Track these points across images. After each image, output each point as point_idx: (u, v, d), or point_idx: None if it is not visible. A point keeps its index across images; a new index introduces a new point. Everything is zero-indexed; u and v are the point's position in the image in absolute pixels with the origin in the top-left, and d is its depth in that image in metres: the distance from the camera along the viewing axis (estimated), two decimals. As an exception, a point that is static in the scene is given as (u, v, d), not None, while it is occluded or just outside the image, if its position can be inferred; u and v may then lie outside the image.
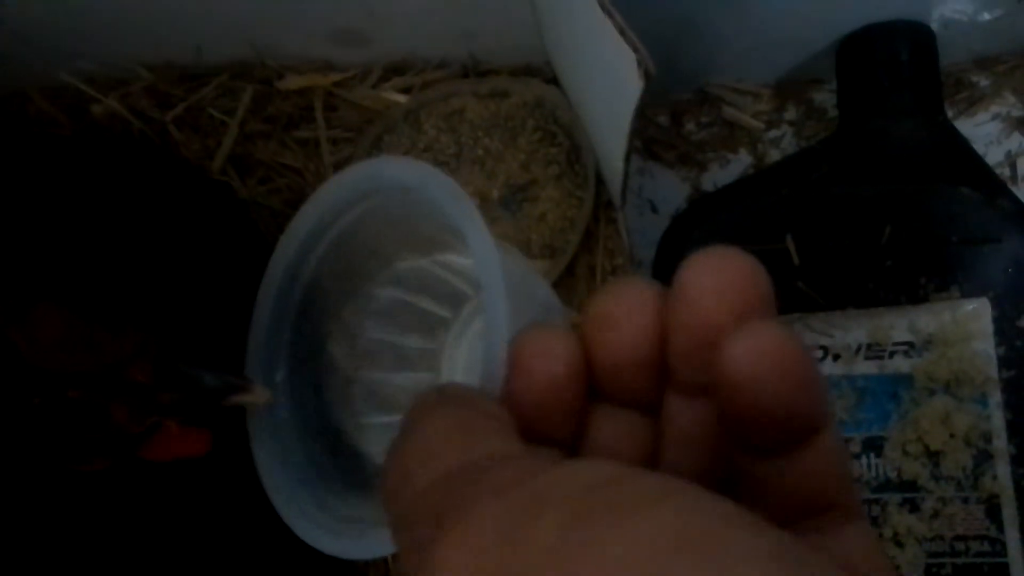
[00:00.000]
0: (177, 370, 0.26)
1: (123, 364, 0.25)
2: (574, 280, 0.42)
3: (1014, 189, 0.45)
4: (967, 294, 0.38)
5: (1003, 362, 0.37)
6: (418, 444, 0.17)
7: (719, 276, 0.16)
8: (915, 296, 0.38)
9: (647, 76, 0.28)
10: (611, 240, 0.42)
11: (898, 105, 0.42)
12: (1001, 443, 0.37)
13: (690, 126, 0.49)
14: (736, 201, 0.42)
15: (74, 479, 0.28)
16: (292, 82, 0.45)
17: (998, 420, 0.37)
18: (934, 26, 0.43)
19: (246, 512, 0.32)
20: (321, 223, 0.32)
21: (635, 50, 0.28)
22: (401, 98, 0.45)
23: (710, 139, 0.49)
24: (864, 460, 0.38)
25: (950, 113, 0.46)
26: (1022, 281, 0.38)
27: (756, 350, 0.15)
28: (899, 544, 0.37)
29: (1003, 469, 0.37)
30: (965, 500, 0.37)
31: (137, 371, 0.26)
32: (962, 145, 0.42)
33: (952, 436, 0.37)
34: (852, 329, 0.39)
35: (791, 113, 0.49)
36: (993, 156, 0.46)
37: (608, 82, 0.32)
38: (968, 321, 0.38)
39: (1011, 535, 0.36)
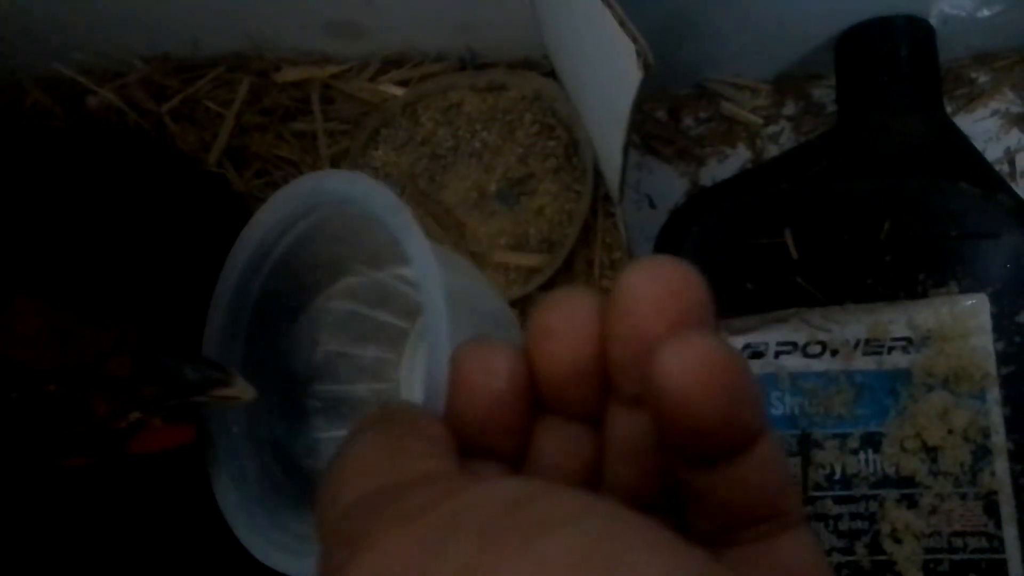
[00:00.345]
0: (157, 363, 0.26)
1: (102, 358, 0.25)
2: (572, 274, 0.42)
3: (1013, 185, 0.45)
4: (966, 290, 0.38)
5: (1002, 358, 0.37)
6: (346, 465, 0.17)
7: (654, 285, 0.16)
8: (914, 291, 0.38)
9: (646, 67, 0.28)
10: (609, 234, 0.42)
11: (897, 100, 0.42)
12: (1000, 439, 0.37)
13: (688, 121, 0.49)
14: (734, 196, 0.42)
15: (59, 475, 0.27)
16: (289, 74, 0.45)
17: (996, 416, 0.37)
18: (933, 21, 0.43)
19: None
20: (268, 239, 0.32)
21: (634, 41, 0.28)
22: (398, 91, 0.45)
23: (708, 134, 0.49)
24: (862, 456, 0.38)
25: (949, 109, 0.46)
26: (1021, 277, 0.38)
27: (686, 362, 0.15)
28: (897, 540, 0.37)
29: (1001, 465, 0.36)
30: (963, 496, 0.37)
31: (116, 365, 0.25)
32: (961, 141, 0.41)
33: (950, 432, 0.37)
34: (850, 324, 0.39)
35: (790, 108, 0.49)
36: (992, 152, 0.46)
37: (607, 74, 0.32)
38: (967, 317, 0.38)
39: (1009, 531, 0.36)
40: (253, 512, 0.30)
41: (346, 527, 0.16)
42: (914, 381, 0.38)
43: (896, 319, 0.38)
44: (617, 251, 0.42)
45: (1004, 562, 0.36)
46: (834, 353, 0.39)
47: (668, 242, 0.42)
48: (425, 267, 0.26)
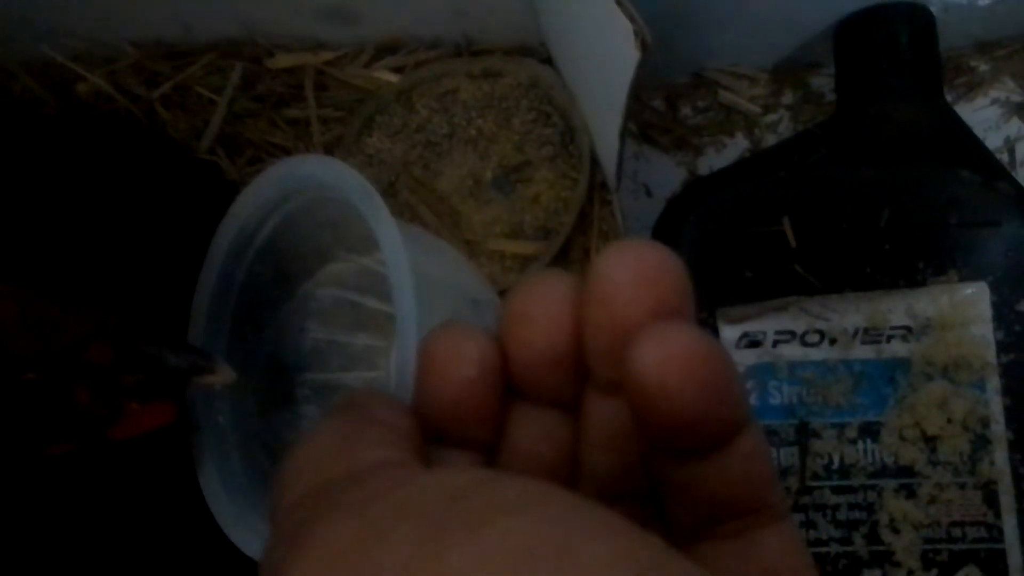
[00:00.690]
0: (139, 350, 0.25)
1: (81, 345, 0.24)
2: (567, 262, 0.41)
3: (1013, 174, 0.44)
4: (966, 278, 0.37)
5: (1001, 347, 0.37)
6: (300, 455, 0.17)
7: (632, 270, 0.16)
8: (913, 280, 0.38)
9: (644, 47, 0.27)
10: (605, 222, 0.41)
11: (897, 88, 0.41)
12: (999, 428, 0.36)
13: (686, 110, 0.49)
14: (732, 184, 0.41)
15: (40, 463, 0.27)
16: (282, 60, 0.45)
17: (996, 405, 0.36)
18: (934, 9, 0.43)
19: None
20: (249, 225, 0.32)
21: (632, 20, 0.27)
22: (393, 77, 0.44)
23: (706, 123, 0.48)
24: (860, 445, 0.37)
25: (949, 98, 0.46)
26: (1021, 265, 0.37)
27: (665, 354, 0.15)
28: (895, 531, 0.36)
29: (1001, 454, 0.36)
30: (962, 486, 0.36)
31: (97, 352, 0.25)
32: (961, 128, 0.41)
33: (949, 421, 0.36)
34: (849, 313, 0.38)
35: (788, 97, 0.48)
36: (992, 141, 0.46)
37: (604, 56, 0.32)
38: (966, 305, 0.37)
39: (1008, 521, 0.36)
40: (238, 502, 0.30)
41: (290, 520, 0.15)
42: (913, 370, 0.37)
43: (895, 308, 0.38)
44: (614, 239, 0.41)
45: (1003, 552, 0.36)
46: (833, 342, 0.38)
47: (665, 231, 0.42)
48: (392, 251, 0.26)
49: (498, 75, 0.44)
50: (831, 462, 0.37)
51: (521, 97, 0.43)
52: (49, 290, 0.25)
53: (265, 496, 0.31)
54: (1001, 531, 0.36)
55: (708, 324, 0.38)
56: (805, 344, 0.38)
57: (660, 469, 0.17)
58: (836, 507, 0.37)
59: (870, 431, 0.37)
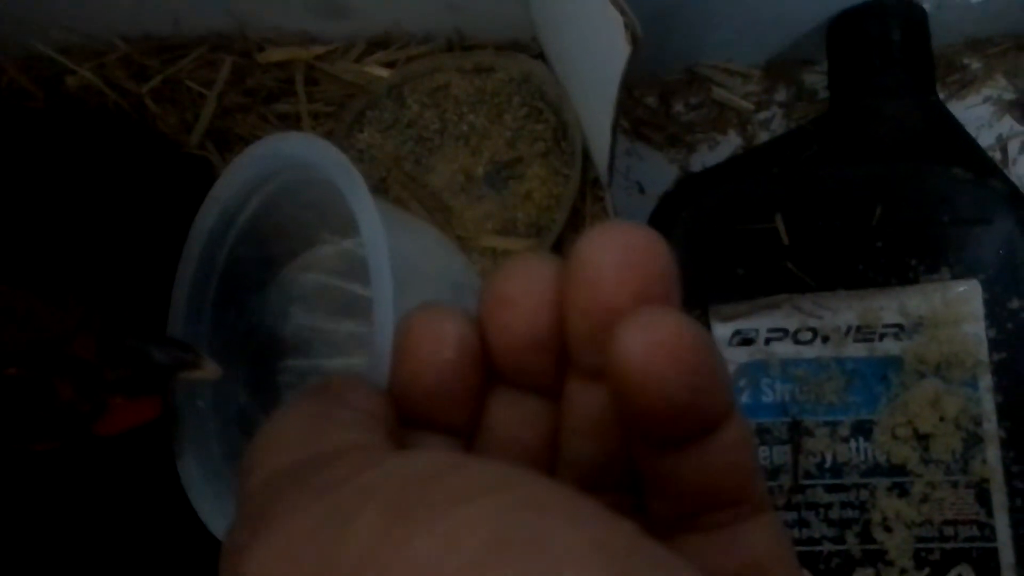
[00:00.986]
0: (124, 345, 0.25)
1: (65, 339, 0.24)
2: (559, 259, 0.41)
3: (1005, 172, 0.44)
4: (958, 276, 0.37)
5: (994, 344, 0.37)
6: (265, 437, 0.16)
7: (616, 253, 0.15)
8: (905, 278, 0.38)
9: (635, 40, 0.27)
10: (598, 218, 0.41)
11: (890, 85, 0.41)
12: (991, 426, 0.36)
13: (679, 107, 0.49)
14: (725, 180, 0.41)
15: (22, 460, 0.27)
16: (272, 55, 0.44)
17: (988, 403, 0.36)
18: (926, 6, 0.43)
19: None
20: (231, 205, 0.31)
21: (623, 13, 0.27)
22: (384, 72, 0.44)
23: (699, 120, 0.48)
24: (853, 444, 0.37)
25: (942, 95, 0.46)
26: (1013, 263, 0.37)
27: (650, 340, 0.14)
28: (888, 529, 0.36)
29: (993, 452, 0.36)
30: (955, 484, 0.36)
31: (80, 347, 0.24)
32: (954, 126, 0.41)
33: (942, 419, 0.36)
34: (841, 311, 0.38)
35: (781, 94, 0.48)
36: (984, 139, 0.46)
37: (596, 49, 0.32)
38: (959, 303, 0.37)
39: (1000, 519, 0.36)
40: (217, 490, 0.29)
41: (254, 505, 0.15)
42: (906, 368, 0.37)
43: (887, 305, 0.38)
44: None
45: (996, 550, 0.36)
46: (825, 340, 0.38)
47: (658, 227, 0.42)
48: (370, 228, 0.25)
49: (490, 70, 0.43)
50: (823, 460, 0.37)
51: (513, 93, 0.43)
52: (33, 284, 0.25)
53: None
54: (993, 529, 0.36)
55: (700, 321, 0.38)
56: (797, 342, 0.38)
57: (642, 458, 0.17)
58: (829, 506, 0.37)
59: (863, 429, 0.37)
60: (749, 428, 0.16)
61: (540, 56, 0.44)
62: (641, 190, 0.48)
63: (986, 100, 0.46)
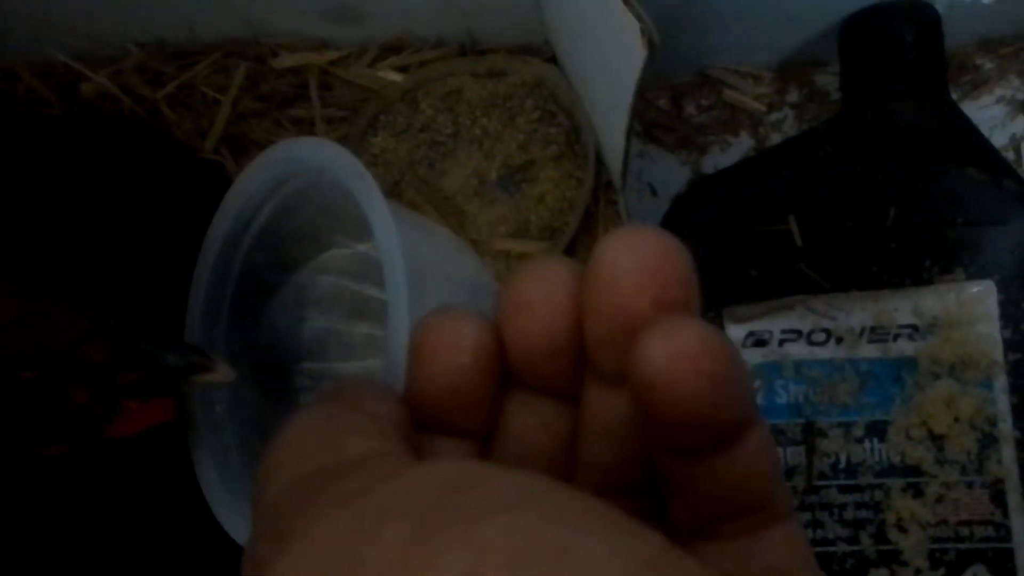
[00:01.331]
0: (137, 349, 0.25)
1: (79, 344, 0.24)
2: (573, 262, 0.41)
3: (1019, 172, 0.44)
4: (972, 276, 0.37)
5: (1009, 345, 0.37)
6: (281, 446, 0.16)
7: (635, 257, 0.15)
8: (919, 278, 0.38)
9: (651, 46, 0.27)
10: (611, 221, 0.41)
11: (902, 86, 0.41)
12: (1006, 427, 0.36)
13: (690, 109, 0.49)
14: (738, 182, 0.41)
15: (37, 463, 0.27)
16: (286, 60, 0.45)
17: (1003, 403, 0.36)
18: (939, 7, 0.43)
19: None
20: (247, 210, 0.31)
21: (639, 19, 0.27)
22: (397, 77, 0.44)
23: (711, 122, 0.48)
24: (867, 445, 0.37)
25: (954, 96, 0.46)
26: (1028, 263, 0.37)
27: (673, 350, 0.14)
28: (902, 530, 0.36)
29: (1008, 453, 0.36)
30: (970, 485, 0.36)
31: (94, 351, 0.25)
32: (967, 126, 0.41)
33: (957, 420, 0.36)
34: (855, 312, 0.38)
35: (793, 96, 0.48)
36: (997, 139, 0.46)
37: (611, 54, 0.32)
38: (973, 304, 0.37)
39: (1016, 520, 0.36)
40: (235, 493, 0.29)
41: (274, 514, 0.14)
42: (920, 369, 0.37)
43: (902, 306, 0.38)
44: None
45: (1011, 551, 0.36)
46: (839, 341, 0.38)
47: (671, 230, 0.41)
48: (384, 232, 0.25)
49: (503, 74, 0.44)
50: (838, 461, 0.37)
51: (526, 96, 0.43)
52: (47, 289, 0.25)
53: None
54: (1009, 530, 0.36)
55: (714, 323, 0.38)
56: (811, 343, 0.38)
57: (663, 466, 0.17)
58: (843, 506, 0.37)
59: (877, 430, 0.37)
60: (771, 436, 0.16)
61: (552, 60, 0.44)
62: (653, 192, 0.48)
63: (999, 100, 0.46)
